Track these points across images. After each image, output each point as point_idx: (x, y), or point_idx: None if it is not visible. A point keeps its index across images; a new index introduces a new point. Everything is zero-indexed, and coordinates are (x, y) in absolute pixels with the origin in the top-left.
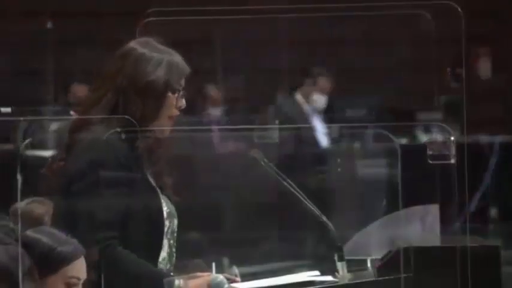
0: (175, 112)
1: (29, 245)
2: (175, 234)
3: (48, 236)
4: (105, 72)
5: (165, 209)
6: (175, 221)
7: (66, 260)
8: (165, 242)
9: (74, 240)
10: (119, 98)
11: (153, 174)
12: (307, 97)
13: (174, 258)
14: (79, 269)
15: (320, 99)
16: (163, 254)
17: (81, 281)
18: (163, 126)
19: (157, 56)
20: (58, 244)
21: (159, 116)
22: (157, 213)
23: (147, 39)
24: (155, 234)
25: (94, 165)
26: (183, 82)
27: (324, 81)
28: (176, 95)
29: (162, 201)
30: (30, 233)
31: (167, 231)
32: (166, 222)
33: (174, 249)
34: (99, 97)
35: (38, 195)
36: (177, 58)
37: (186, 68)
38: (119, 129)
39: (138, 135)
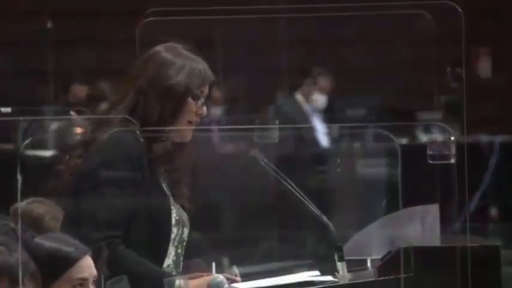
0: (195, 118)
1: (34, 252)
2: (184, 243)
3: (51, 240)
4: (129, 74)
5: (173, 216)
6: (186, 231)
7: (68, 262)
8: (172, 249)
9: (76, 242)
10: (138, 99)
11: (168, 180)
12: (307, 97)
13: (180, 268)
14: (84, 269)
15: (320, 99)
16: (169, 261)
17: (90, 281)
18: (181, 132)
19: (180, 61)
20: (60, 247)
21: (177, 121)
22: (165, 219)
23: (173, 45)
24: (160, 239)
25: (104, 165)
26: (206, 90)
27: (324, 81)
28: (197, 101)
29: (172, 207)
30: (36, 239)
31: (174, 239)
32: (174, 229)
33: (181, 258)
34: (120, 98)
35: (52, 192)
36: (201, 65)
37: (209, 76)
38: (138, 131)
39: (154, 137)
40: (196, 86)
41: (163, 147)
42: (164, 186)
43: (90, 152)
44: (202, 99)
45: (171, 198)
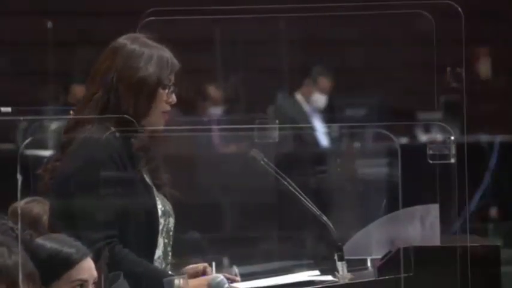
0: (167, 108)
1: (34, 252)
2: (170, 233)
3: (53, 241)
4: (95, 70)
5: (159, 207)
6: (172, 220)
7: (69, 263)
8: (160, 241)
9: (78, 243)
10: (110, 95)
11: (148, 172)
12: (307, 97)
13: (169, 258)
14: (85, 271)
15: (320, 99)
16: (159, 252)
17: (90, 282)
18: (156, 122)
19: (148, 52)
20: (61, 248)
21: (151, 113)
22: (152, 211)
23: (136, 35)
24: (150, 232)
25: (88, 164)
26: (172, 78)
27: (324, 81)
28: (167, 90)
29: (157, 199)
30: (38, 240)
31: (162, 230)
32: (161, 221)
33: (169, 248)
34: (91, 95)
35: (34, 196)
36: (167, 53)
37: (175, 64)
38: (113, 128)
39: (133, 133)
40: (165, 75)
41: (140, 140)
42: (146, 178)
43: (69, 154)
44: (171, 88)
45: (154, 190)
